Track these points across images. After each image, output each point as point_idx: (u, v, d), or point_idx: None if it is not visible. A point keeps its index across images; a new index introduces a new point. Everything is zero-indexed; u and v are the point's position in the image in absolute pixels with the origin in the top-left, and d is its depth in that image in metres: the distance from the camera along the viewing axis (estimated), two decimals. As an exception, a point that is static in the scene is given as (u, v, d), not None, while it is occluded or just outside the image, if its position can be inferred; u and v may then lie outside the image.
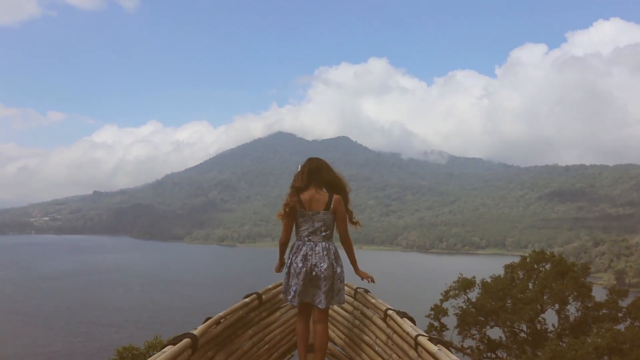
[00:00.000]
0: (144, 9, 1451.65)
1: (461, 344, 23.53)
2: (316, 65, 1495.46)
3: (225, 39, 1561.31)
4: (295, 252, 5.27)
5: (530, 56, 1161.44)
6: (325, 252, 5.20)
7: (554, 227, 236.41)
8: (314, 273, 5.17)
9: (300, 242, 5.28)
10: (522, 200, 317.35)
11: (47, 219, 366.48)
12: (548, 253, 24.89)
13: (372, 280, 5.51)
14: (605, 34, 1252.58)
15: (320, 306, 5.20)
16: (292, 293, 5.23)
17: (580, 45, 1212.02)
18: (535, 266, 24.28)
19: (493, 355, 23.64)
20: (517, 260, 26.00)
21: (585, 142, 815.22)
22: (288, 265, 5.28)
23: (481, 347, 23.66)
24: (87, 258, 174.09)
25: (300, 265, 5.18)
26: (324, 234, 5.23)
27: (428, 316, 24.18)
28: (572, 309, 23.17)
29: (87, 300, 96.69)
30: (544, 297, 22.62)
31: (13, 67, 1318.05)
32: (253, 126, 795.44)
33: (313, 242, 5.22)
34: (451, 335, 23.59)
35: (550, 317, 23.56)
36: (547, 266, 23.79)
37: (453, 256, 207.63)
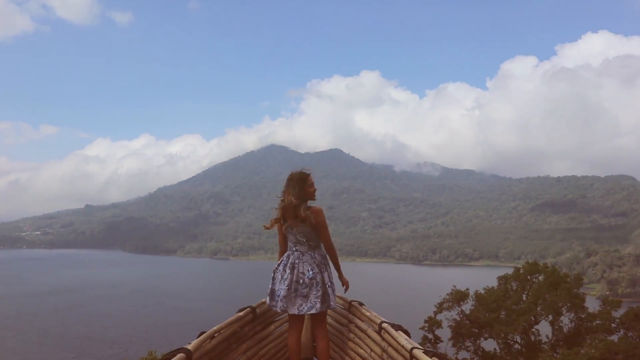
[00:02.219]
0: (136, 23, 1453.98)
1: (455, 356, 23.49)
2: (308, 78, 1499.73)
3: (218, 52, 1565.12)
4: (284, 261, 5.62)
5: (521, 68, 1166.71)
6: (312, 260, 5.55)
7: (547, 238, 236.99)
8: (300, 281, 5.45)
9: (289, 252, 5.66)
10: (515, 211, 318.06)
11: (38, 233, 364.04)
12: (541, 264, 24.96)
13: (347, 287, 5.87)
14: (594, 47, 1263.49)
15: (314, 311, 5.42)
16: (276, 298, 5.50)
17: (569, 58, 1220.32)
18: (529, 277, 24.33)
19: (487, 367, 23.57)
20: (510, 271, 26.04)
21: (576, 153, 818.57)
22: (273, 271, 5.63)
23: (475, 359, 23.61)
24: (80, 273, 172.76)
25: (287, 272, 5.50)
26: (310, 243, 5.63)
27: (422, 328, 24.13)
28: (566, 320, 23.18)
29: (81, 315, 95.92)
30: (538, 309, 22.62)
31: (6, 82, 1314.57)
32: (246, 139, 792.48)
33: (300, 251, 5.58)
34: (445, 347, 23.55)
35: (544, 328, 23.57)
36: (541, 277, 23.82)
37: (446, 268, 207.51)
